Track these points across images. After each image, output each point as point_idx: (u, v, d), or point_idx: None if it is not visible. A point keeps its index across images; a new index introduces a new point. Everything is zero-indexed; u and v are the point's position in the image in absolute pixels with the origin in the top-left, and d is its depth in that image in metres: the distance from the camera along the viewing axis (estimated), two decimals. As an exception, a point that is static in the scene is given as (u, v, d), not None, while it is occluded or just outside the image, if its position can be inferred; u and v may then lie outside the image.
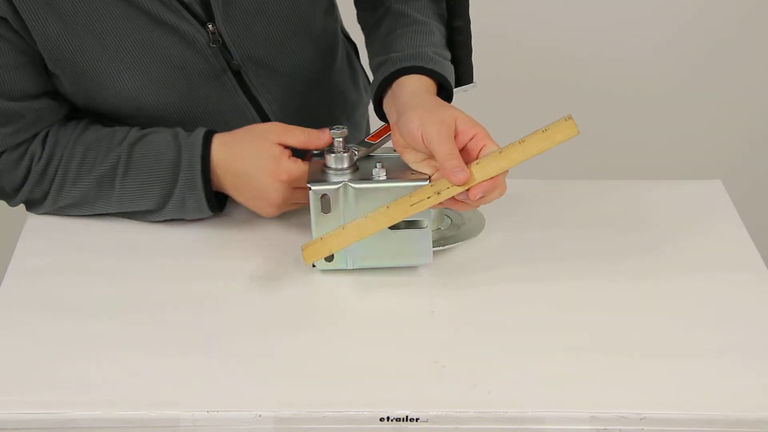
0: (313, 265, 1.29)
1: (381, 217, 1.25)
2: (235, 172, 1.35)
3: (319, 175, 1.28)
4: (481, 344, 1.18)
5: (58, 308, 1.24)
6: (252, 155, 1.34)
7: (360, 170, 1.29)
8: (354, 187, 1.26)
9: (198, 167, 1.35)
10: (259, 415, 1.08)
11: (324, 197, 1.26)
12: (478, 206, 1.25)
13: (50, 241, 1.38)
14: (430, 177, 1.25)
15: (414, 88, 1.32)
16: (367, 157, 1.31)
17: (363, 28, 1.53)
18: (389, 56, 1.38)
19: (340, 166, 1.28)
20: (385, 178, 1.26)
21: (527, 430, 1.08)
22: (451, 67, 1.39)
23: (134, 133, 1.38)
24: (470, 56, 1.50)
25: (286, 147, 1.34)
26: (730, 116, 2.74)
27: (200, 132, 1.37)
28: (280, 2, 1.41)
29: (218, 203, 1.39)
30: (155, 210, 1.38)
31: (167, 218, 1.39)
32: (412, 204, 1.24)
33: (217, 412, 1.09)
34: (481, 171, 1.22)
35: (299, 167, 1.33)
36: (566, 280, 1.29)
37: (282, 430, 1.08)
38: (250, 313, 1.24)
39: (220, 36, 1.38)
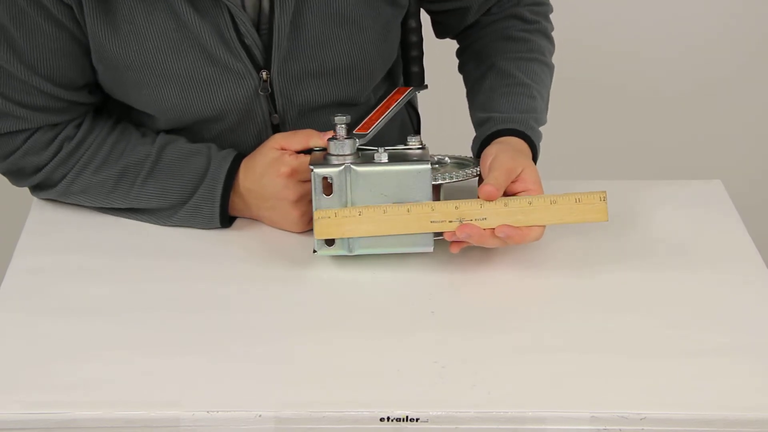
0: (314, 251, 1.29)
1: (400, 220, 1.27)
2: (250, 190, 1.37)
3: (322, 161, 1.29)
4: (481, 344, 1.18)
5: (58, 308, 1.24)
6: (258, 166, 1.36)
7: (362, 157, 1.29)
8: (356, 170, 1.26)
9: (222, 179, 1.37)
10: (260, 415, 1.08)
11: (325, 180, 1.26)
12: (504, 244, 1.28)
13: (51, 240, 1.38)
14: (432, 163, 1.28)
15: (511, 143, 1.37)
16: (369, 145, 1.31)
17: (465, 80, 1.53)
18: (492, 115, 1.40)
19: (342, 152, 1.28)
20: (387, 161, 1.27)
21: (527, 430, 1.08)
22: (542, 134, 1.43)
23: (167, 135, 1.41)
24: (422, 57, 1.51)
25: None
26: (730, 116, 2.74)
27: (232, 151, 1.39)
28: (341, 69, 1.41)
29: (229, 219, 1.40)
30: (167, 209, 1.39)
31: (176, 225, 1.39)
32: (432, 221, 1.26)
33: (218, 412, 1.08)
34: (507, 210, 1.26)
35: (300, 160, 1.35)
36: (566, 280, 1.29)
37: (282, 430, 1.08)
38: (250, 313, 1.24)
39: (271, 85, 1.38)
